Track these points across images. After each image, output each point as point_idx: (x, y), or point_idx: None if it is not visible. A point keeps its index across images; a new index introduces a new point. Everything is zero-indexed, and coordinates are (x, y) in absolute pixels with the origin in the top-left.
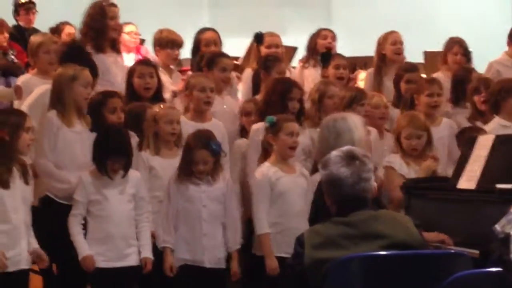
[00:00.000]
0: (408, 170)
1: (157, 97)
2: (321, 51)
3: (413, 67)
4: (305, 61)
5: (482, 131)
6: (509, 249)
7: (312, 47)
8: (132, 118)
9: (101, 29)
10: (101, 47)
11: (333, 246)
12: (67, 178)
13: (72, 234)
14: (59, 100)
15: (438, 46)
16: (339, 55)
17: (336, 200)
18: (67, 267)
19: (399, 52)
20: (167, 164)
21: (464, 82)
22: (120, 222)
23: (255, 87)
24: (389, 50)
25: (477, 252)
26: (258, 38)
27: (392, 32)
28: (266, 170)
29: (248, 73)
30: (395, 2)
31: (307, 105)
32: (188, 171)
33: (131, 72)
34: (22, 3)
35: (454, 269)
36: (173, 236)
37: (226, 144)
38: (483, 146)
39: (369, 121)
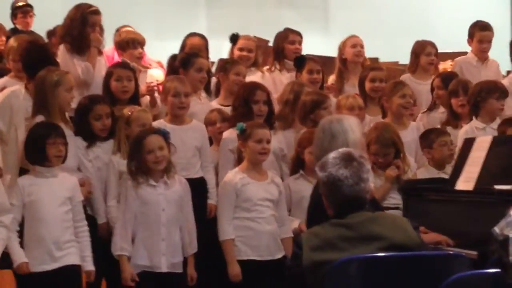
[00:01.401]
0: (375, 180)
1: (134, 100)
2: (289, 56)
3: (377, 66)
4: (271, 64)
5: (446, 134)
6: (508, 251)
7: (279, 51)
8: (114, 122)
9: (78, 36)
10: (78, 51)
11: (331, 248)
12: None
13: (8, 240)
14: (43, 106)
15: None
16: (313, 60)
17: (335, 201)
18: None
19: (360, 55)
20: None
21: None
22: (52, 225)
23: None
24: (349, 53)
25: (475, 253)
26: (233, 38)
27: (352, 36)
28: (233, 176)
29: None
30: (393, 5)
31: (279, 106)
32: (142, 168)
33: (108, 74)
34: (19, 6)
35: (453, 270)
36: (130, 243)
37: (207, 146)
38: (481, 147)
39: None
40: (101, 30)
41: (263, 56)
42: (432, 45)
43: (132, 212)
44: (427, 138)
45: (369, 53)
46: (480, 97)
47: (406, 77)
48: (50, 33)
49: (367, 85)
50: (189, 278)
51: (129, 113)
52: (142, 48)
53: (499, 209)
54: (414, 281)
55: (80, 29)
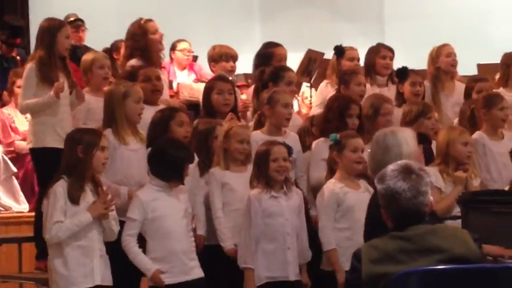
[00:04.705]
0: (446, 183)
1: (233, 113)
2: (379, 71)
3: (483, 78)
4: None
5: None
6: None
7: (370, 66)
8: (199, 135)
9: (146, 46)
10: (151, 61)
11: (390, 261)
12: (119, 192)
13: (134, 253)
14: (112, 118)
15: (491, 58)
16: (415, 72)
17: (393, 214)
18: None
19: (454, 64)
20: (239, 177)
21: None
22: (180, 237)
23: None
24: (444, 62)
25: None
26: (339, 50)
27: (445, 45)
28: (333, 186)
29: (323, 86)
30: (448, 15)
31: None
32: (265, 178)
33: (209, 88)
34: (71, 21)
35: None
36: (254, 255)
37: (302, 156)
38: None
39: (434, 135)
40: (161, 35)
41: (318, 69)
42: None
43: (256, 224)
44: None
45: (425, 64)
46: None
47: (501, 91)
48: (107, 50)
49: (474, 96)
50: (304, 285)
51: (230, 127)
52: (234, 62)
53: None
54: None
55: (143, 39)
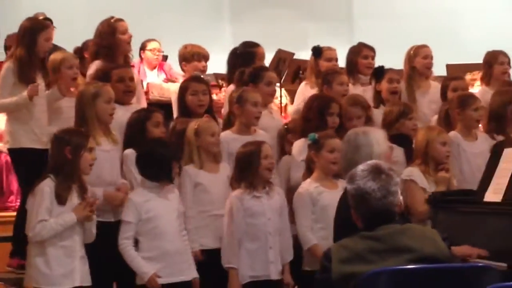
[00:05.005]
0: (428, 183)
1: (209, 113)
2: (361, 70)
3: (458, 76)
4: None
5: None
6: None
7: (352, 66)
8: (177, 135)
9: (113, 45)
10: (115, 62)
11: (360, 260)
12: (95, 193)
13: (130, 257)
14: (83, 118)
15: (460, 58)
16: (392, 70)
17: (364, 214)
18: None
19: (430, 67)
20: (213, 177)
21: None
22: (173, 238)
23: None
24: (420, 63)
25: (505, 265)
26: (317, 51)
27: (423, 46)
28: (308, 186)
29: (302, 86)
30: (416, 15)
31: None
32: (249, 178)
33: (183, 89)
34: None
35: (482, 282)
36: (237, 255)
37: (273, 156)
38: (509, 159)
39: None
40: (130, 36)
41: (287, 69)
42: (504, 54)
43: (239, 224)
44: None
45: (396, 63)
46: None
47: (483, 89)
48: (77, 50)
49: (450, 94)
50: (286, 284)
51: (198, 124)
52: (206, 62)
53: None
54: None
55: (111, 38)
